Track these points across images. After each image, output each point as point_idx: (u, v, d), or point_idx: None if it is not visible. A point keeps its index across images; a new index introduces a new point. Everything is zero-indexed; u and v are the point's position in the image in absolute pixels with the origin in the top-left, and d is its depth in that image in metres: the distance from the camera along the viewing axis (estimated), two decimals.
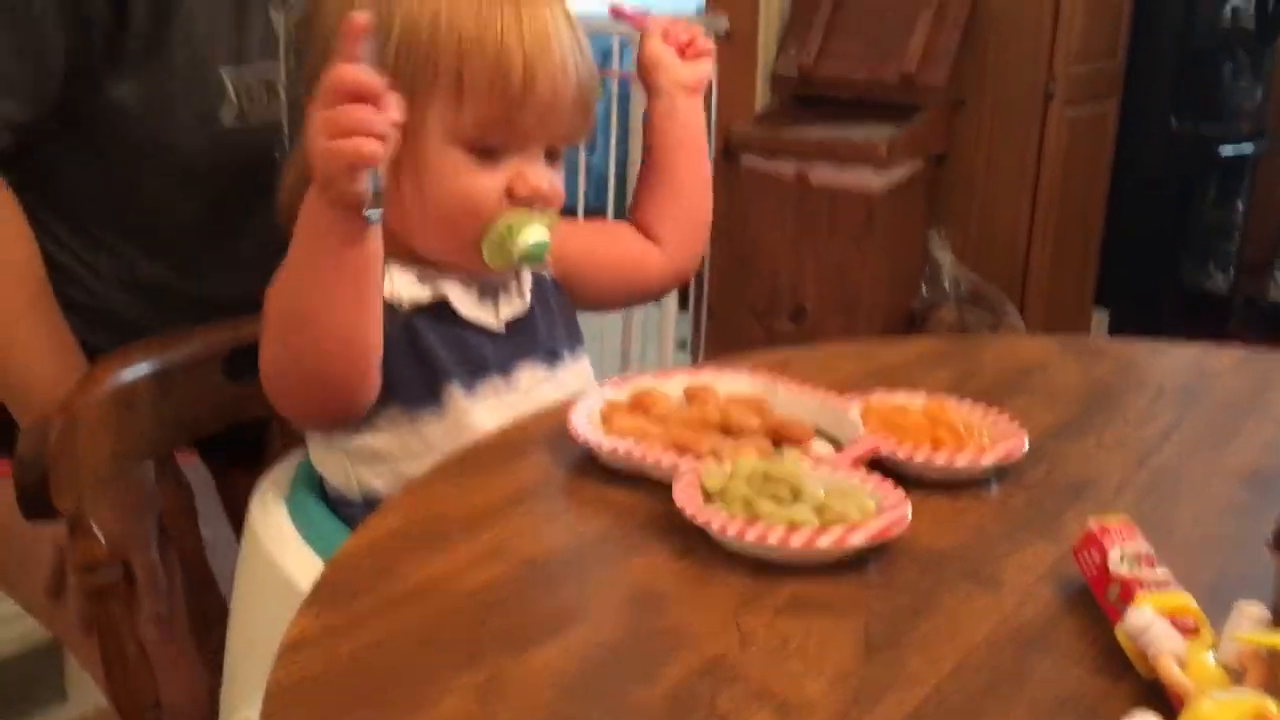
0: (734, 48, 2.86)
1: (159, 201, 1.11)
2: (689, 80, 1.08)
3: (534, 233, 0.89)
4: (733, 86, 2.87)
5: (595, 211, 3.52)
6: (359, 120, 0.75)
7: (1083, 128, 3.05)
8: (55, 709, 1.68)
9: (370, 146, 0.75)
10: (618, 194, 3.18)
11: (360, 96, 0.75)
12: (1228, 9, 3.23)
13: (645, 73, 1.08)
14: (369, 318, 0.84)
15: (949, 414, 0.87)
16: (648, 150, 1.09)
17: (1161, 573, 0.63)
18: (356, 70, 0.75)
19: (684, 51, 1.08)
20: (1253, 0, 3.29)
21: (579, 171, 3.23)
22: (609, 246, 1.09)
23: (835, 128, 2.80)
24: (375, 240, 0.81)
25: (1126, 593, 0.61)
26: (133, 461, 0.98)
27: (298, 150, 0.91)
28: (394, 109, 0.76)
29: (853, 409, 0.87)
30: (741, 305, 2.88)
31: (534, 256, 0.90)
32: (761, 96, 2.99)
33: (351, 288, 0.82)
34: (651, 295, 1.16)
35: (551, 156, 0.94)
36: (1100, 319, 3.38)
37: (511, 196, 0.90)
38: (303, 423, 0.92)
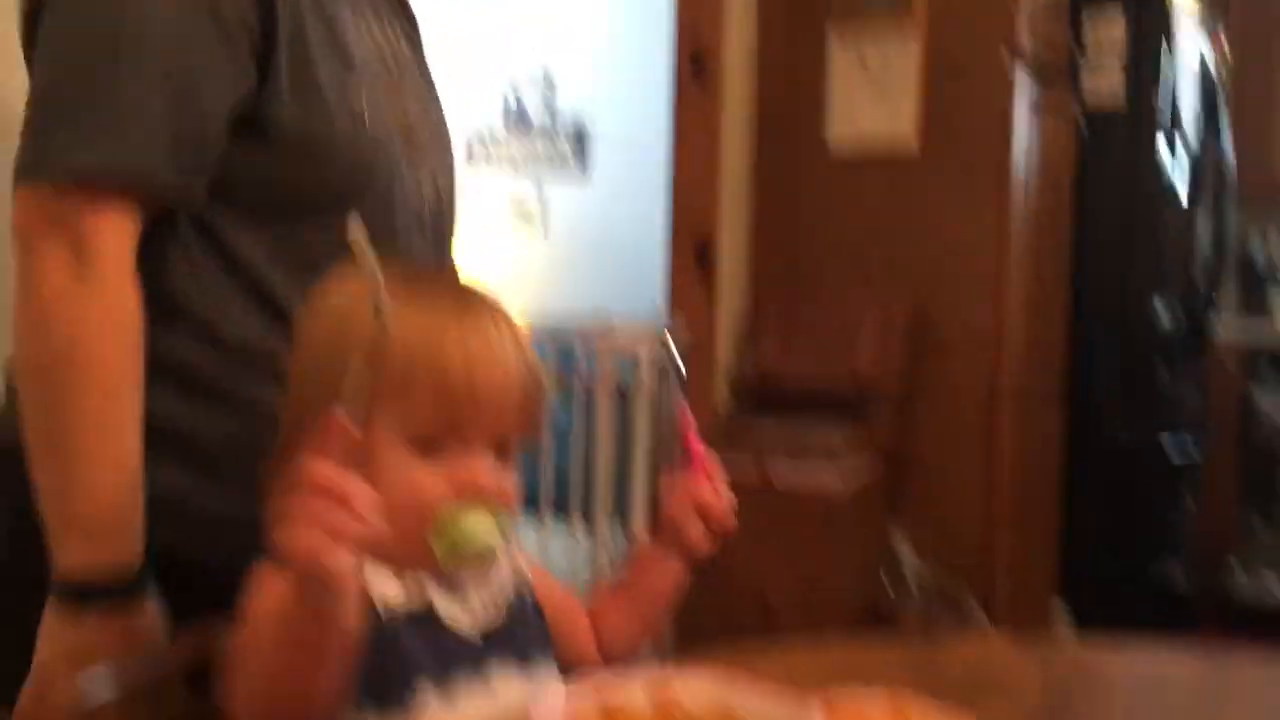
0: (694, 352, 2.97)
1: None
2: (697, 550, 1.09)
3: (477, 520, 0.91)
4: (692, 389, 2.97)
5: (558, 506, 3.55)
6: (331, 521, 0.76)
7: (1033, 436, 3.13)
8: None
9: (340, 556, 0.76)
10: (583, 494, 3.23)
11: (333, 495, 0.76)
12: (1161, 320, 3.41)
13: (664, 518, 1.09)
14: (337, 680, 0.84)
15: (911, 715, 0.86)
16: (627, 576, 1.13)
17: None
18: (330, 469, 0.77)
19: (706, 512, 1.08)
20: (1180, 310, 3.48)
21: (543, 466, 3.29)
22: (568, 622, 1.09)
23: (793, 426, 2.88)
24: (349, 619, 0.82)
25: None
26: None
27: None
28: (368, 510, 0.77)
29: (815, 713, 0.86)
30: (705, 601, 2.85)
31: (479, 545, 0.92)
32: (721, 396, 3.09)
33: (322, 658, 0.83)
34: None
35: (502, 455, 0.97)
36: (1064, 609, 3.35)
37: (456, 490, 0.93)
38: None
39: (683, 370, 1.03)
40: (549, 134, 4.98)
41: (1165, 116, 3.25)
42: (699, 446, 1.05)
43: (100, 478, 1.02)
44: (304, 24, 1.12)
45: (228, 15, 1.07)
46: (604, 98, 4.76)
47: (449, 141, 1.33)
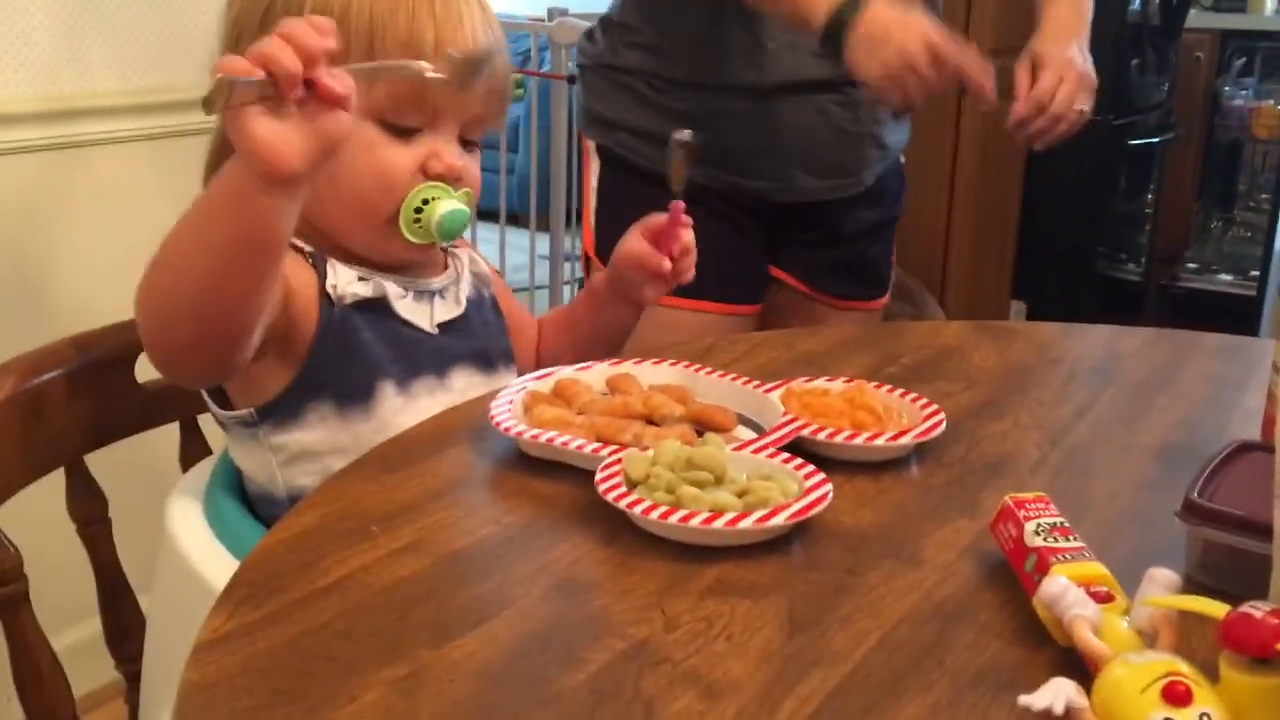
0: None
1: None
2: (646, 299, 1.03)
3: (450, 204, 0.90)
4: None
5: (517, 214, 3.51)
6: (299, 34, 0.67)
7: (997, 119, 3.10)
8: None
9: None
10: (539, 194, 3.17)
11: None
12: (1134, 3, 3.31)
13: (622, 257, 1.02)
14: (261, 273, 0.76)
15: (868, 397, 0.87)
16: (577, 310, 1.09)
17: (1076, 542, 0.64)
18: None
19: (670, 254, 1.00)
20: None
21: (500, 172, 3.22)
22: (516, 331, 1.07)
23: None
24: (284, 216, 0.73)
25: (1042, 563, 0.62)
26: (45, 468, 0.95)
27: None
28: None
29: (774, 395, 0.87)
30: None
31: (452, 227, 0.91)
32: None
33: (245, 247, 0.74)
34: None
35: (467, 144, 0.94)
36: (1018, 310, 3.44)
37: (425, 173, 0.91)
38: (173, 368, 0.85)
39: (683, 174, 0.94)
40: None
41: None
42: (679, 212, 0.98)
43: None
44: None
45: None
46: None
47: None
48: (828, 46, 1.22)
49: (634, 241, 1.00)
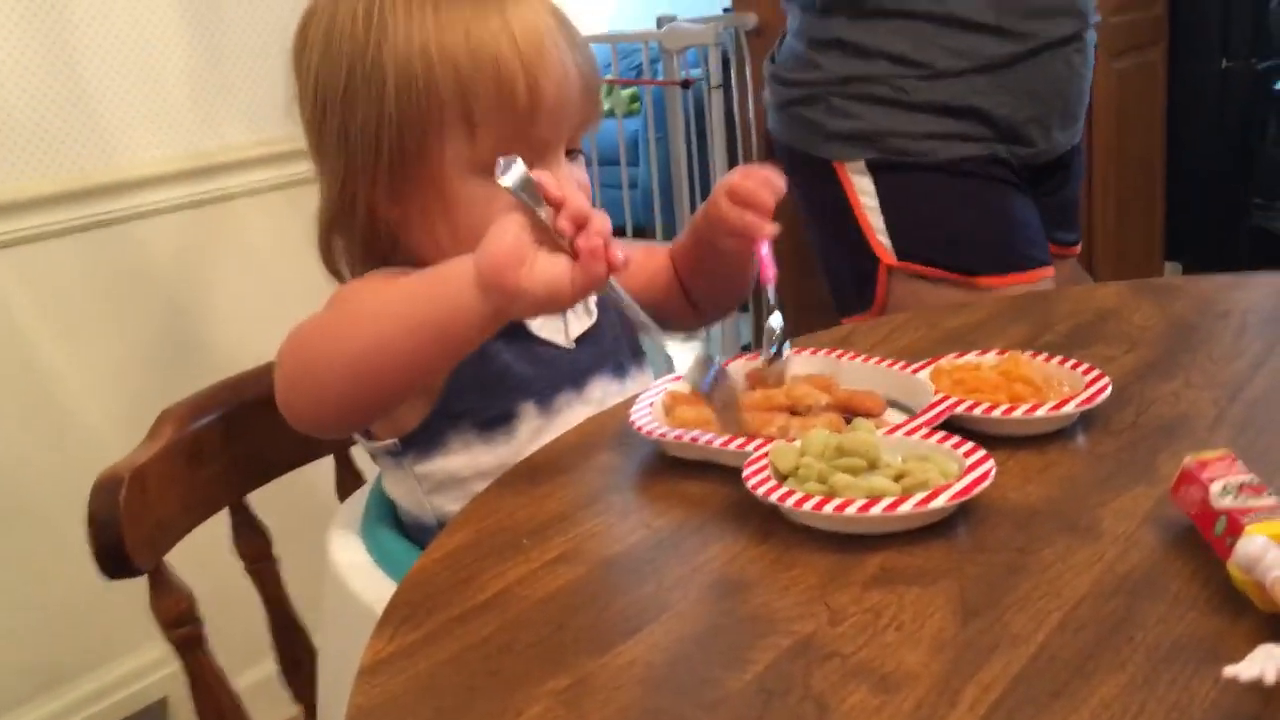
0: (764, 40, 2.83)
1: None
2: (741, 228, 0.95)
3: None
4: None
5: (643, 228, 3.51)
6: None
7: (1132, 79, 2.97)
8: None
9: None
10: (663, 206, 3.17)
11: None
12: None
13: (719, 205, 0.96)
14: (437, 372, 0.84)
15: (1024, 368, 0.83)
16: (697, 237, 1.02)
17: (1270, 499, 0.59)
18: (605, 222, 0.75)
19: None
20: None
21: (623, 187, 3.23)
22: (646, 280, 1.05)
23: None
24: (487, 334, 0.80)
25: (1234, 525, 0.58)
26: (208, 510, 0.98)
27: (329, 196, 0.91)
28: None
29: (923, 373, 0.84)
30: (810, 298, 2.84)
31: None
32: None
33: (453, 356, 0.81)
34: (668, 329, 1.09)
35: (572, 153, 0.93)
36: (1174, 270, 3.29)
37: None
38: (285, 408, 0.86)
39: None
40: None
41: None
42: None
43: None
44: None
45: None
46: None
47: None
48: None
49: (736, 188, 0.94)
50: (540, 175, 0.75)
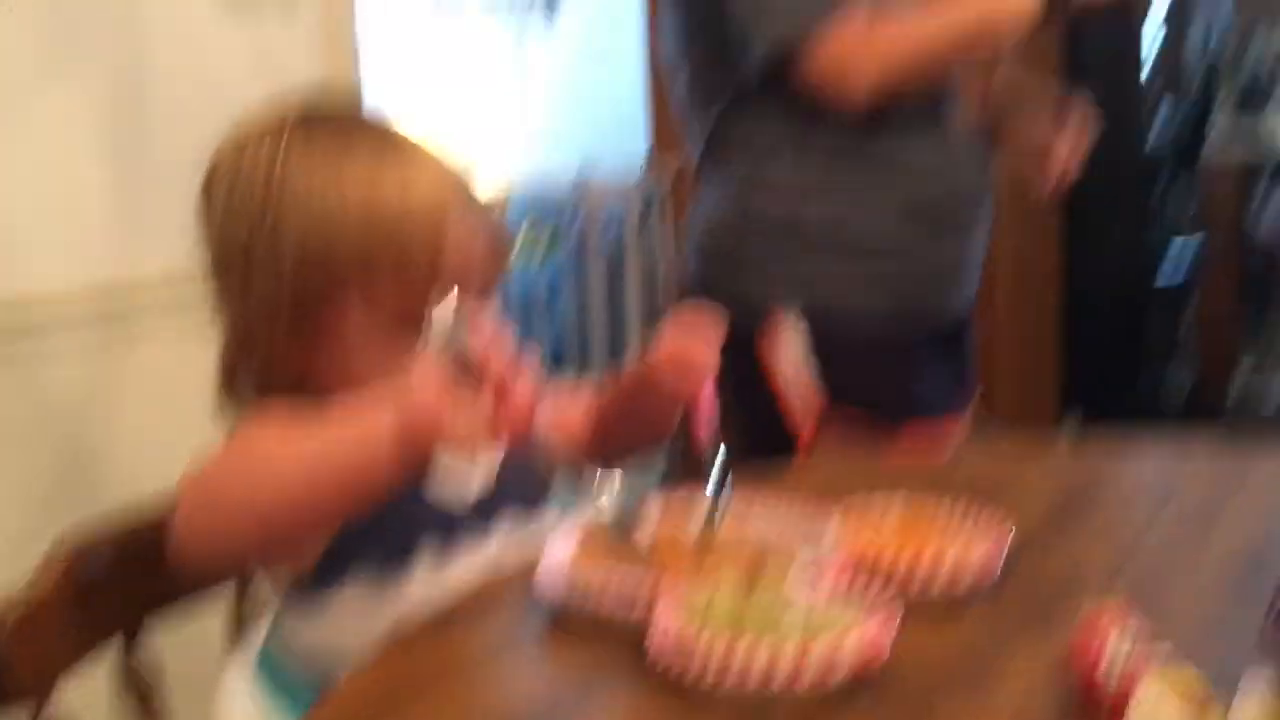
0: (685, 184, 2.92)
1: None
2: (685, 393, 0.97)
3: None
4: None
5: (553, 371, 3.53)
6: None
7: (1029, 254, 3.10)
8: None
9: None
10: (579, 345, 3.21)
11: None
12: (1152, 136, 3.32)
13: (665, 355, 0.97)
14: (346, 514, 0.82)
15: (930, 517, 0.85)
16: (627, 390, 1.04)
17: (1163, 650, 0.61)
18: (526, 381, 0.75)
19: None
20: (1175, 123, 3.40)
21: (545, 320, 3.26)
22: (561, 432, 1.05)
23: None
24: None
25: (1128, 683, 0.59)
26: (101, 641, 0.94)
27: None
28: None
29: (832, 517, 0.85)
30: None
31: None
32: None
33: (364, 502, 0.80)
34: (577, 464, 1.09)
35: (482, 299, 0.93)
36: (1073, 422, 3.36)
37: None
38: (180, 550, 0.84)
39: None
40: None
41: None
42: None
43: None
44: None
45: None
46: None
47: None
48: None
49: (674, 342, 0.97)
50: (470, 330, 0.76)
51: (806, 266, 1.45)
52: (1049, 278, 3.27)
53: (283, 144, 0.87)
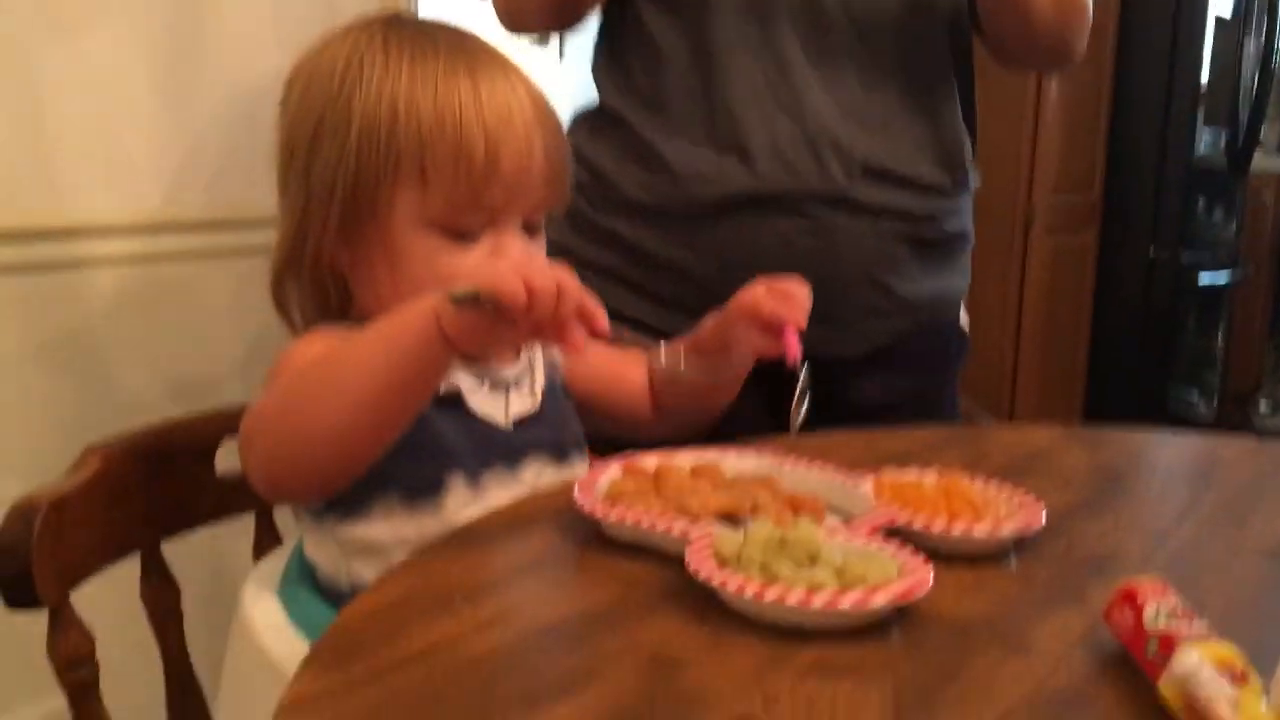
0: None
1: None
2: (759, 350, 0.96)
3: None
4: None
5: None
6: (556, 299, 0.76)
7: (1064, 255, 3.10)
8: None
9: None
10: None
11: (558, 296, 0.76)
12: (1200, 145, 3.33)
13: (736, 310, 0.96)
14: (410, 413, 0.82)
15: (964, 488, 0.84)
16: (699, 345, 1.00)
17: (1201, 626, 0.60)
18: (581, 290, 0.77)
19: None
20: (1222, 136, 3.39)
21: None
22: (613, 383, 1.06)
23: None
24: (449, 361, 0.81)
25: (1166, 646, 0.59)
26: (120, 553, 0.95)
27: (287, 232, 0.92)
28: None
29: (864, 484, 0.85)
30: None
31: None
32: None
33: (416, 388, 0.81)
34: (619, 434, 1.05)
35: (530, 229, 0.94)
36: None
37: None
38: (272, 487, 0.87)
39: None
40: None
41: None
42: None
43: None
44: None
45: None
46: None
47: None
48: None
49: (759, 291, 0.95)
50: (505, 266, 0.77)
51: None
52: (1080, 302, 3.24)
53: (365, 39, 0.91)
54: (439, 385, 0.81)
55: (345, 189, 0.88)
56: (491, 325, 0.76)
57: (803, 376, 0.91)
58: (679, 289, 1.19)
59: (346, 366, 0.79)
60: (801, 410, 0.90)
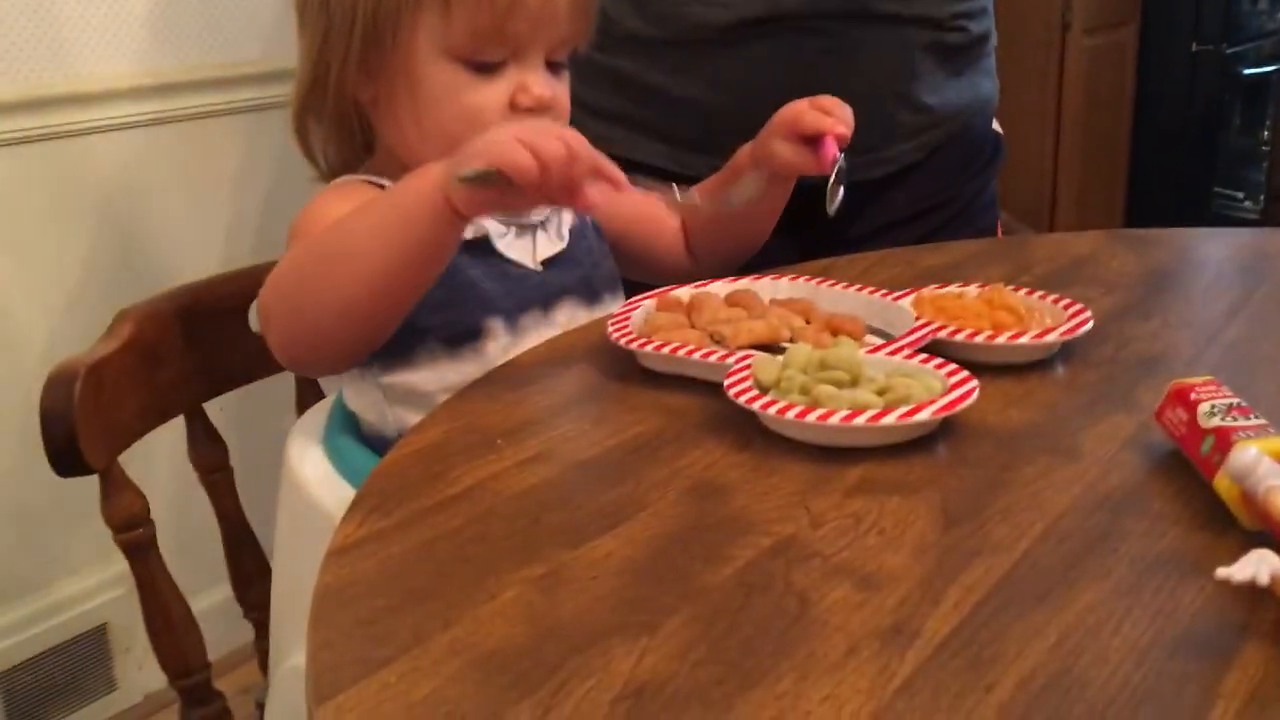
0: None
1: None
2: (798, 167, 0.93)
3: None
4: None
5: None
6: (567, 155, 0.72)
7: (1103, 56, 2.99)
8: (104, 698, 1.66)
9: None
10: None
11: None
12: None
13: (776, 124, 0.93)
14: (422, 287, 0.81)
15: (1007, 298, 0.82)
16: (719, 184, 0.98)
17: (1258, 420, 0.59)
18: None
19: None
20: None
21: None
22: (648, 223, 1.04)
23: None
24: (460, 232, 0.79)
25: (1222, 442, 0.57)
26: (163, 417, 0.95)
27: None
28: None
29: (905, 300, 0.83)
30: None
31: None
32: None
33: (428, 263, 0.79)
34: (653, 280, 1.02)
35: (554, 67, 0.91)
36: None
37: (514, 108, 0.87)
38: (292, 361, 0.87)
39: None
40: None
41: None
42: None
43: None
44: None
45: None
46: None
47: None
48: None
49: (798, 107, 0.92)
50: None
51: None
52: (1120, 101, 3.14)
53: None
54: (452, 254, 0.79)
55: (366, 17, 0.85)
56: (501, 195, 0.74)
57: (841, 159, 0.88)
58: (691, 126, 1.15)
59: (358, 239, 0.77)
60: (839, 193, 0.87)
